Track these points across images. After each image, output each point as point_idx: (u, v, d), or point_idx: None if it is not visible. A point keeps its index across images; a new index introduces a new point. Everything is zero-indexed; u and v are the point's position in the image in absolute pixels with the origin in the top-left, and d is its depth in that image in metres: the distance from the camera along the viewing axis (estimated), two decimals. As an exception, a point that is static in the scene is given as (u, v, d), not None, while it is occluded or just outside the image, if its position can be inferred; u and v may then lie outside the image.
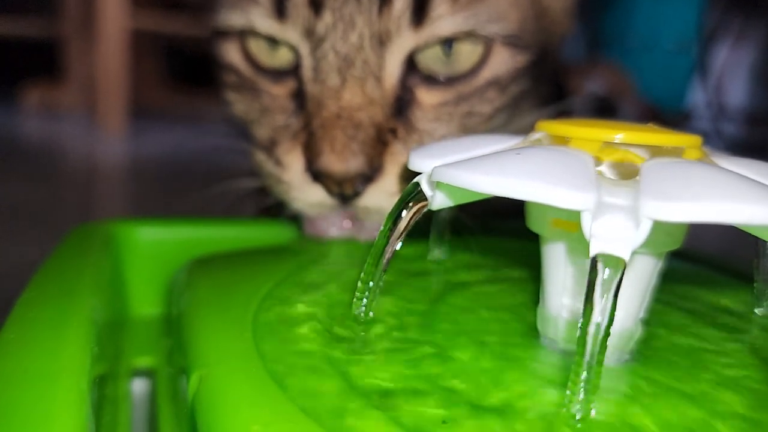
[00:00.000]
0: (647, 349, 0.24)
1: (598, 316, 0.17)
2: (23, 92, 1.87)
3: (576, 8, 0.40)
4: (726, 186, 0.17)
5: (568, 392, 0.18)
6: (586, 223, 0.18)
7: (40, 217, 0.88)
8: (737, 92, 2.21)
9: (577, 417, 0.17)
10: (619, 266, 0.17)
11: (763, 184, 0.18)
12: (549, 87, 0.41)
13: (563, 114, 0.44)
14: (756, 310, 0.28)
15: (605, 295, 0.17)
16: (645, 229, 0.17)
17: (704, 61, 2.07)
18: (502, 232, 0.36)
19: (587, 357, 0.17)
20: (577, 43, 2.11)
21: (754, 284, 0.28)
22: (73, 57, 1.88)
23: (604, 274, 0.17)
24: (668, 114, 1.73)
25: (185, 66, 1.84)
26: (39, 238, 0.76)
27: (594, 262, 0.17)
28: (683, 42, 1.92)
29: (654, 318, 0.26)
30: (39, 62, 1.97)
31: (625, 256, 0.17)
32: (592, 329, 0.17)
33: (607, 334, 0.17)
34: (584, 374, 0.17)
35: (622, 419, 0.18)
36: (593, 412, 0.18)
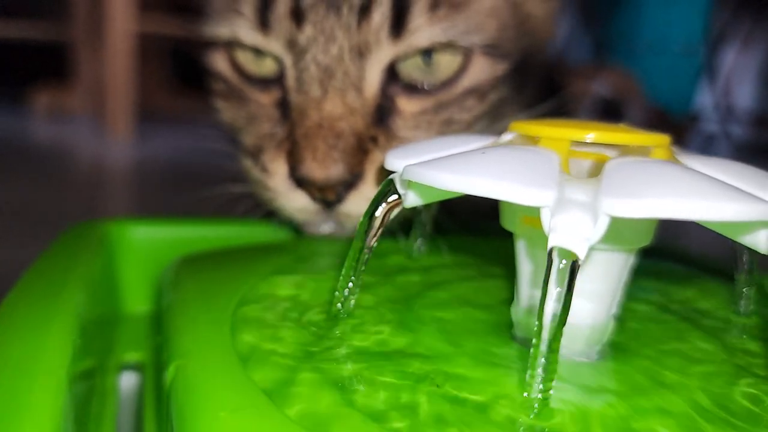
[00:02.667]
0: (620, 345, 0.24)
1: (552, 307, 0.17)
2: (32, 95, 1.88)
3: (559, 14, 0.40)
4: (682, 184, 0.18)
5: (527, 382, 0.18)
6: (545, 219, 0.18)
7: (47, 218, 0.89)
8: (745, 94, 2.20)
9: (536, 406, 0.18)
10: (575, 260, 0.18)
11: (722, 182, 0.19)
12: (536, 92, 0.41)
13: (558, 115, 0.44)
14: (734, 310, 0.29)
15: (560, 288, 0.17)
16: (602, 225, 0.18)
17: (712, 63, 2.07)
18: (482, 232, 0.36)
19: (543, 347, 0.17)
20: (584, 46, 2.11)
21: (734, 283, 0.29)
22: (81, 60, 1.89)
23: (559, 266, 0.17)
24: (676, 116, 1.72)
25: (191, 69, 1.86)
26: (46, 239, 0.77)
27: (551, 255, 0.18)
28: (691, 44, 1.92)
29: (630, 315, 0.27)
30: (47, 65, 1.98)
31: (581, 250, 0.18)
32: (547, 320, 0.17)
33: (561, 325, 0.17)
34: (541, 364, 0.18)
35: (581, 410, 0.19)
36: (552, 401, 0.18)
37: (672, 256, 0.37)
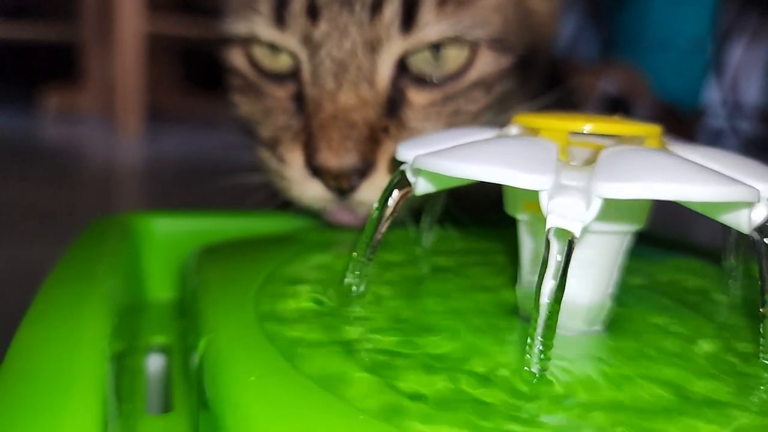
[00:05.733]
0: (618, 323, 0.26)
1: (550, 284, 0.19)
2: (43, 96, 1.91)
3: (560, 11, 0.42)
4: (666, 168, 0.19)
5: (527, 354, 0.20)
6: (544, 202, 0.20)
7: (60, 218, 0.90)
8: (752, 90, 2.21)
9: (535, 375, 0.20)
10: (571, 239, 0.19)
11: (704, 167, 0.20)
12: (540, 87, 0.43)
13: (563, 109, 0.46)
14: (723, 290, 0.31)
15: (557, 266, 0.19)
16: (595, 207, 0.20)
17: (719, 59, 2.08)
18: (488, 222, 0.38)
19: (541, 321, 0.19)
20: (591, 43, 2.12)
21: (723, 266, 0.30)
22: (91, 61, 1.92)
23: (556, 245, 0.19)
24: (683, 112, 1.73)
25: (201, 69, 1.88)
26: (58, 238, 0.78)
27: (549, 235, 0.19)
28: (698, 41, 1.93)
29: (629, 297, 0.29)
30: (58, 66, 2.01)
31: (577, 230, 0.19)
32: (545, 296, 0.19)
33: (558, 300, 0.19)
34: (539, 337, 0.19)
35: (577, 377, 0.21)
36: (549, 372, 0.20)
37: (669, 244, 0.39)
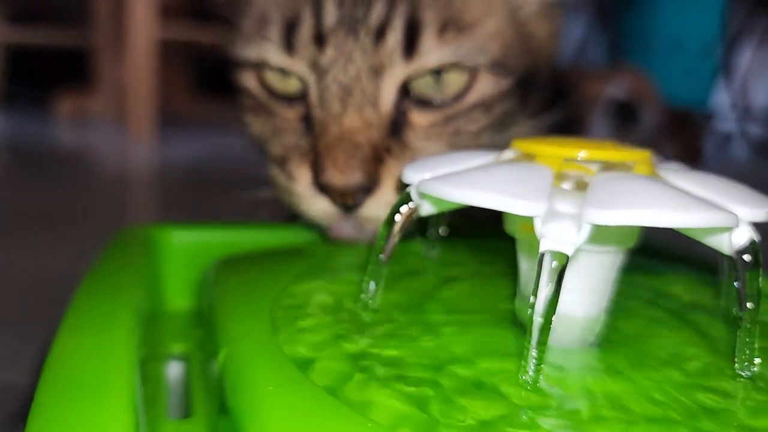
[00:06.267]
0: (612, 336, 0.27)
1: (543, 301, 0.21)
2: (55, 100, 1.94)
3: (561, 32, 0.44)
4: (652, 196, 0.21)
5: (522, 363, 0.22)
6: (538, 227, 0.22)
7: (73, 222, 0.92)
8: (762, 93, 2.21)
9: (529, 383, 0.22)
10: (563, 260, 0.21)
11: (688, 194, 0.22)
12: (542, 102, 0.45)
13: (569, 121, 0.47)
14: (719, 306, 0.32)
15: (550, 285, 0.21)
16: (585, 231, 0.21)
17: (728, 63, 2.08)
18: (491, 235, 0.40)
19: (535, 335, 0.21)
20: (600, 47, 2.13)
21: (719, 281, 0.32)
22: (103, 66, 1.94)
23: (549, 266, 0.21)
24: (692, 116, 1.73)
25: (212, 75, 1.89)
26: (73, 243, 0.79)
27: (542, 257, 0.21)
28: (707, 44, 1.93)
29: (624, 310, 0.30)
30: (71, 71, 2.04)
31: (568, 252, 0.21)
32: (539, 312, 0.21)
33: (550, 316, 0.21)
34: (533, 349, 0.21)
35: (571, 387, 0.22)
36: (544, 381, 0.22)
37: (665, 255, 0.40)
